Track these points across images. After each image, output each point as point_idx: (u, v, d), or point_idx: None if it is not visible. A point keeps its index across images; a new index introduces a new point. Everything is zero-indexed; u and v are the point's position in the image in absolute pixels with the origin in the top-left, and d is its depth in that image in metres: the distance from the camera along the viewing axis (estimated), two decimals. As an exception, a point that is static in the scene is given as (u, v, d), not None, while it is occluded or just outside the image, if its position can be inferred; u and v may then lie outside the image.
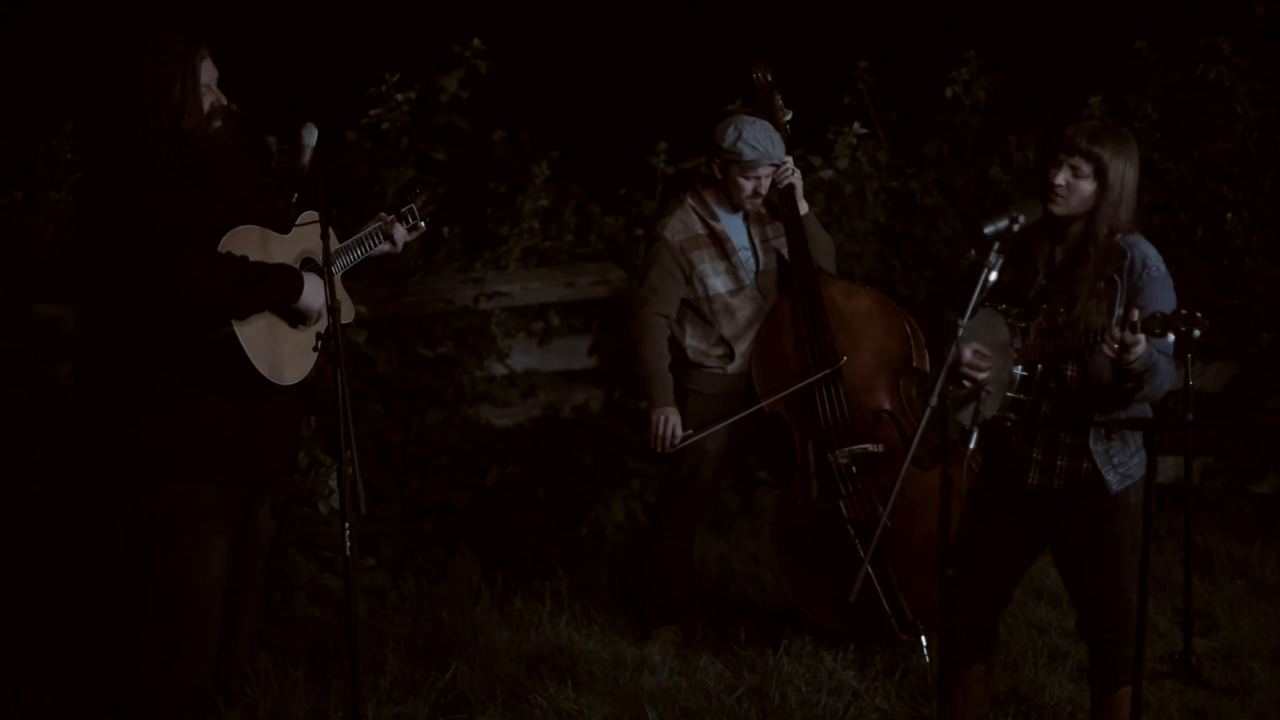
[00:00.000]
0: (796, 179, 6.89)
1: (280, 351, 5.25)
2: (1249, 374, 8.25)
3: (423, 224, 5.87)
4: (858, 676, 6.46)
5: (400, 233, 5.76)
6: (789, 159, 6.89)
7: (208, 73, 5.29)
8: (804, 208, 6.91)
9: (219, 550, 5.41)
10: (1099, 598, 5.45)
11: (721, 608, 7.33)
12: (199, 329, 5.13)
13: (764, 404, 6.77)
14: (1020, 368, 5.25)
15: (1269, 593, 7.35)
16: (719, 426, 6.80)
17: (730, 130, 6.68)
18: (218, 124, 5.29)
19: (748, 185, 6.73)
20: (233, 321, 5.10)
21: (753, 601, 7.46)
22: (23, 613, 6.55)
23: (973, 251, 5.56)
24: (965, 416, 5.37)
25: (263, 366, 5.17)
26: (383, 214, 5.76)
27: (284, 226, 5.40)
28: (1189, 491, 5.97)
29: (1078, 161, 5.21)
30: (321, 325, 5.38)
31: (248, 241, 5.21)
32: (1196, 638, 6.66)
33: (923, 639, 6.56)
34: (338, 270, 5.37)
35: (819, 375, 6.70)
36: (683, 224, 6.83)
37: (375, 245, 5.69)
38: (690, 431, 6.78)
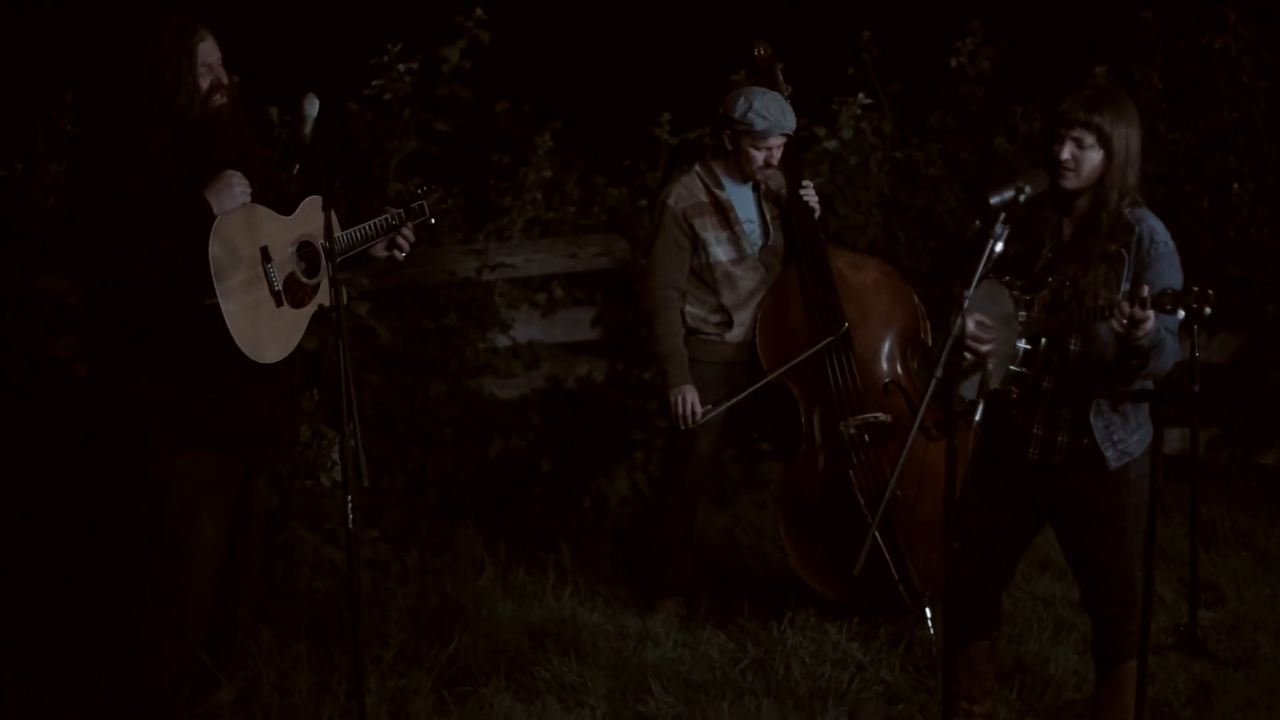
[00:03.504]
0: (815, 203, 6.93)
1: (262, 330, 5.24)
2: (1254, 345, 8.23)
3: (433, 220, 5.83)
4: (862, 649, 6.46)
5: (407, 234, 5.68)
6: (810, 185, 6.92)
7: (208, 53, 5.30)
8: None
9: (218, 518, 5.43)
10: (1102, 573, 5.43)
11: (725, 580, 7.32)
12: (184, 299, 5.12)
13: (780, 372, 6.75)
14: (1024, 341, 5.23)
15: (1274, 565, 7.34)
16: (737, 399, 6.79)
17: (741, 101, 6.67)
18: (219, 100, 5.31)
19: (759, 156, 6.72)
20: (217, 294, 5.09)
21: (756, 574, 7.45)
22: (27, 584, 6.55)
23: (978, 222, 5.53)
24: (969, 388, 5.35)
25: (243, 343, 5.16)
26: (390, 208, 5.71)
27: (287, 204, 5.39)
28: (1195, 463, 5.95)
29: (1079, 133, 5.18)
30: (323, 298, 5.39)
31: (237, 225, 5.21)
32: (1201, 610, 6.65)
33: (927, 611, 6.56)
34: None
35: (826, 341, 6.69)
36: (687, 190, 6.83)
37: (377, 236, 5.63)
38: (709, 407, 6.78)
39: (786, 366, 6.75)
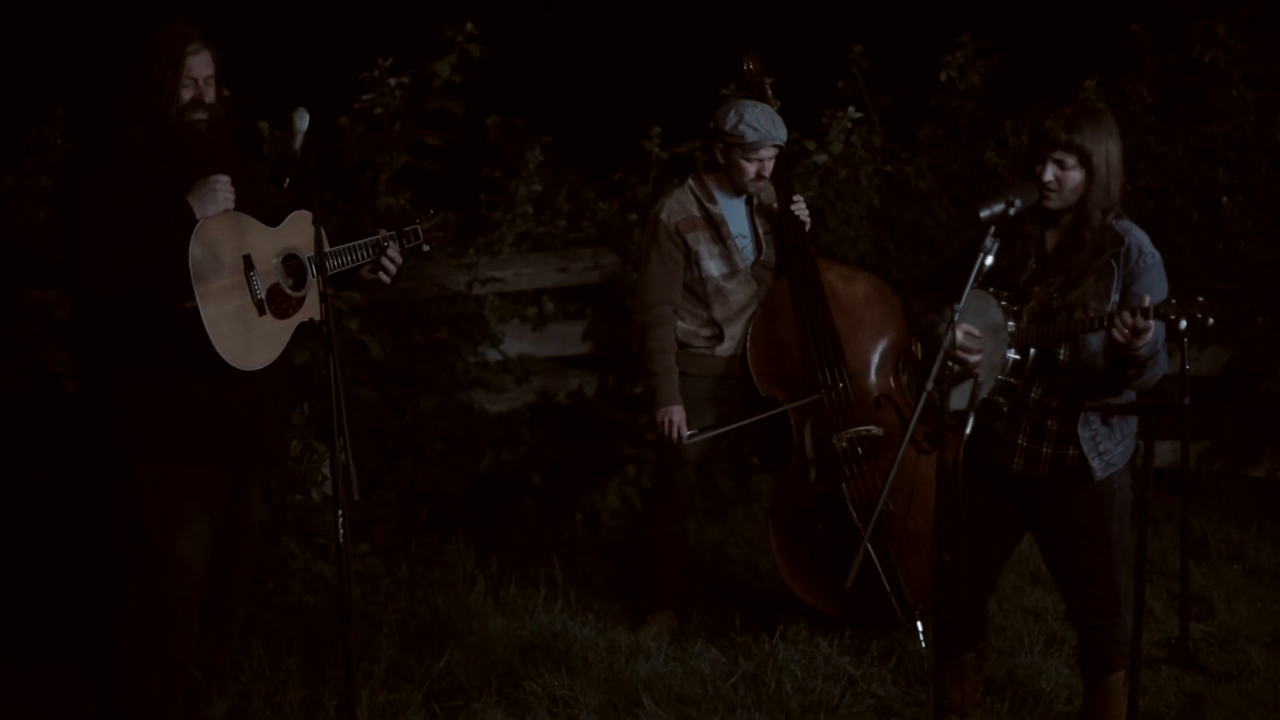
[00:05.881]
0: (805, 217, 6.93)
1: (250, 336, 5.24)
2: (1245, 357, 8.24)
3: (426, 248, 5.79)
4: (854, 662, 6.45)
5: (394, 255, 5.64)
6: (800, 199, 6.92)
7: (197, 66, 5.30)
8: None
9: (202, 528, 5.41)
10: (1085, 585, 5.44)
11: (717, 594, 7.32)
12: (164, 301, 5.12)
13: (772, 414, 6.75)
14: (1013, 351, 5.24)
15: (1265, 577, 7.34)
16: (724, 430, 6.82)
17: (731, 114, 6.68)
18: (197, 116, 5.30)
19: (750, 168, 6.73)
20: (196, 297, 5.09)
21: (748, 587, 7.45)
22: (19, 597, 6.54)
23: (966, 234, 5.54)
24: (958, 399, 5.35)
25: (225, 349, 5.16)
26: (382, 230, 5.69)
27: (275, 215, 5.39)
28: (1186, 476, 5.95)
29: (1060, 155, 5.20)
30: (310, 311, 5.39)
31: (220, 231, 5.21)
32: (1193, 623, 6.65)
33: (919, 625, 6.55)
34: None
35: (817, 396, 6.70)
36: (679, 204, 6.84)
37: (364, 257, 5.61)
38: (695, 431, 6.78)
39: (777, 410, 6.76)
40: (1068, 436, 5.31)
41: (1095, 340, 5.16)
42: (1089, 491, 5.36)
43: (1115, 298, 5.17)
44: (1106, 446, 5.32)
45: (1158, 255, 5.25)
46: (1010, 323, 5.24)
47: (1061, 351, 5.26)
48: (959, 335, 5.26)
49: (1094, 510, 5.38)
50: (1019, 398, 5.32)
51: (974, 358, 5.28)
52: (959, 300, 4.83)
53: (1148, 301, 4.90)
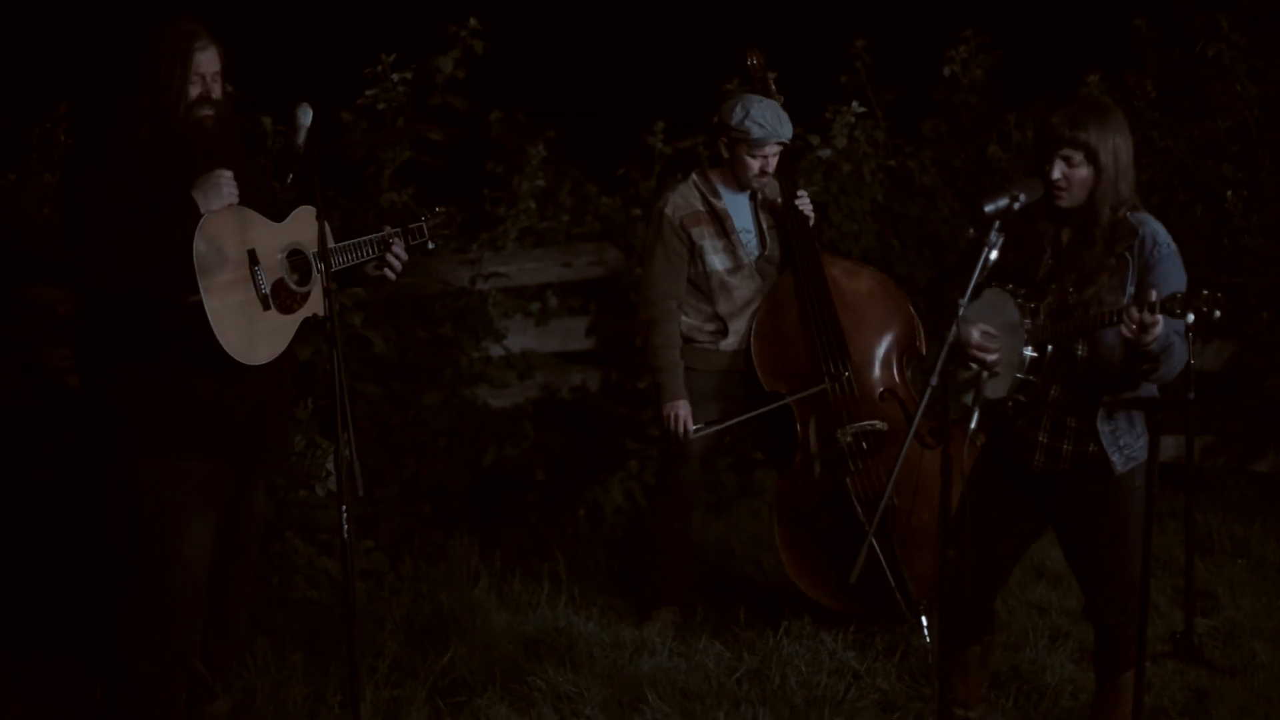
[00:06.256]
0: (810, 212, 6.93)
1: (254, 330, 5.23)
2: (1249, 352, 8.23)
3: (431, 245, 5.79)
4: (858, 657, 6.45)
5: (399, 251, 5.63)
6: (805, 194, 6.92)
7: (205, 63, 5.30)
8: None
9: (205, 525, 5.40)
10: (1106, 580, 5.42)
11: (721, 589, 7.31)
12: (168, 295, 5.12)
13: (776, 406, 6.75)
14: (1030, 348, 5.23)
15: (1270, 572, 7.34)
16: (730, 424, 6.82)
17: (738, 109, 6.68)
18: (205, 113, 5.30)
19: (754, 164, 6.72)
20: (201, 291, 5.09)
21: (752, 582, 7.45)
22: (22, 596, 6.54)
23: (971, 230, 5.52)
24: (968, 397, 5.34)
25: (230, 343, 5.15)
26: (388, 226, 5.68)
27: (279, 211, 5.39)
28: (1190, 471, 5.95)
29: (1068, 152, 5.17)
30: (314, 307, 5.39)
31: (224, 225, 5.21)
32: (1198, 617, 6.65)
33: (923, 619, 6.55)
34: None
35: (822, 387, 6.70)
36: (684, 199, 6.83)
37: (369, 254, 5.60)
38: (702, 425, 6.78)
39: (781, 402, 6.76)
40: (1088, 432, 5.30)
41: (1112, 335, 5.13)
42: (1110, 487, 5.34)
43: (1131, 290, 5.15)
44: (1127, 441, 5.31)
45: (1173, 246, 5.21)
46: (1026, 320, 5.23)
47: (1079, 347, 5.25)
48: (975, 334, 5.25)
49: (1115, 505, 5.36)
50: (1038, 395, 5.30)
51: (991, 356, 5.27)
52: (964, 296, 4.83)
53: (1154, 296, 4.89)
